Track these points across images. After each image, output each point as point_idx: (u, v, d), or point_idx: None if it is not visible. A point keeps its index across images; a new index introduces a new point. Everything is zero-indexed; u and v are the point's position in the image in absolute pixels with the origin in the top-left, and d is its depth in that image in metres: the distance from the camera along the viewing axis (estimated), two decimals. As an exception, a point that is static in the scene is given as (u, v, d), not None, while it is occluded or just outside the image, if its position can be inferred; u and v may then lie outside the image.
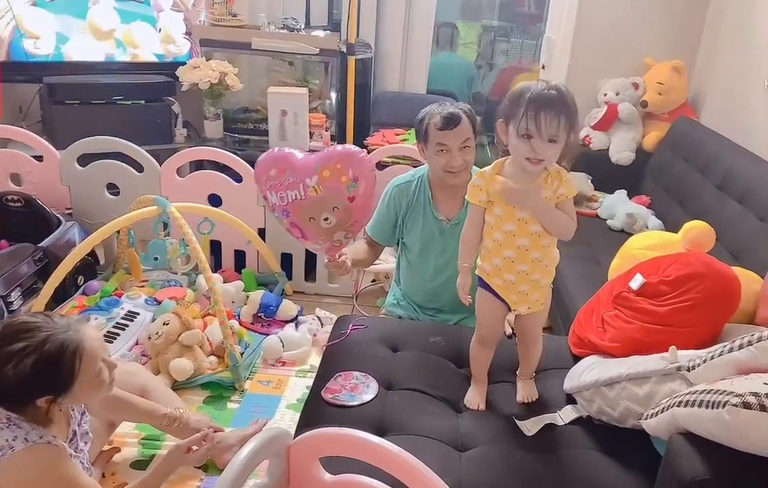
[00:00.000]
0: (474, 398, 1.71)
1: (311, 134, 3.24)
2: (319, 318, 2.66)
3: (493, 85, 4.96)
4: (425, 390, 1.74)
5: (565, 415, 1.66)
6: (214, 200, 2.91)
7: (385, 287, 3.00)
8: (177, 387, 2.21)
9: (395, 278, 2.40)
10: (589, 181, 3.32)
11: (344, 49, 3.33)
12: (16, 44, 3.15)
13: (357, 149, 1.90)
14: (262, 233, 2.94)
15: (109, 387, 1.54)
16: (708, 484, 1.21)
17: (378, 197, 2.17)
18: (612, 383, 1.56)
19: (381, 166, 3.09)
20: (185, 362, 2.21)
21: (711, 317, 1.66)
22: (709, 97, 3.33)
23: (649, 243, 2.21)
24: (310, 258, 3.00)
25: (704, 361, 1.41)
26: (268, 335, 2.53)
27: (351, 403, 1.64)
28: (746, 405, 1.18)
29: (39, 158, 2.98)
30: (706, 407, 1.26)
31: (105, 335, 2.37)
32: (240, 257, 3.01)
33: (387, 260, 2.89)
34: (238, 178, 2.89)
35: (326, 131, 3.32)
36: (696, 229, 2.08)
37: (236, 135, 3.46)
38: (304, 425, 1.57)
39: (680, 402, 1.34)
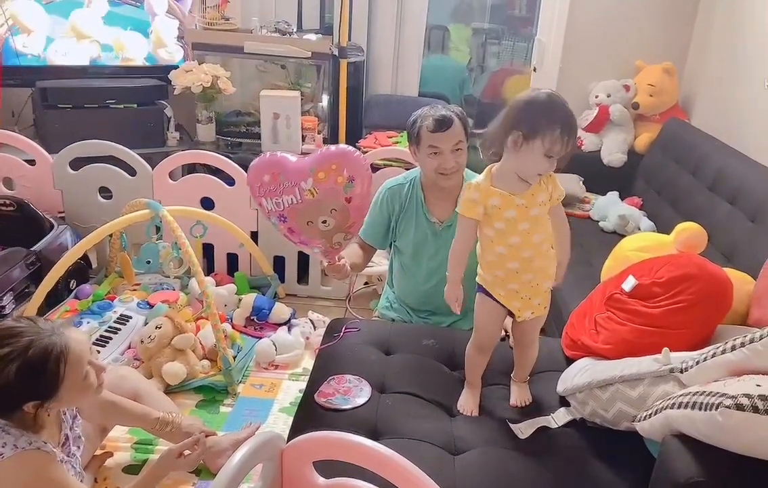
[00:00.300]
0: (467, 403, 1.71)
1: (303, 137, 3.24)
2: (311, 321, 2.66)
3: (485, 87, 4.97)
4: (418, 394, 1.74)
5: (558, 418, 1.65)
6: (207, 204, 2.91)
7: (378, 290, 3.00)
8: (170, 390, 2.20)
9: (388, 280, 2.40)
10: (581, 183, 3.32)
11: (336, 53, 3.33)
12: (8, 49, 3.13)
13: (351, 148, 1.88)
14: (254, 236, 2.93)
15: (98, 390, 1.53)
16: (701, 486, 1.22)
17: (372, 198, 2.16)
18: (605, 385, 1.57)
19: (373, 168, 3.05)
20: (178, 366, 2.20)
21: (703, 319, 1.67)
22: (700, 99, 3.35)
23: (642, 245, 2.22)
24: (303, 261, 2.99)
25: (697, 363, 1.41)
26: (260, 338, 2.52)
27: (344, 407, 1.64)
28: (739, 407, 1.18)
29: (31, 162, 2.96)
30: (699, 409, 1.26)
31: (97, 339, 2.37)
32: (233, 260, 3.00)
33: (380, 263, 2.89)
34: (230, 181, 2.89)
35: (318, 133, 3.32)
36: (688, 230, 2.09)
37: (229, 138, 3.45)
38: (297, 428, 1.57)
39: (673, 404, 1.35)
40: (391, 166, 3.02)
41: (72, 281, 2.75)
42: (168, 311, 2.42)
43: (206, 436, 1.82)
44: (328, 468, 1.30)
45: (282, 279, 2.99)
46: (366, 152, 3.16)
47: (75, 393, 1.46)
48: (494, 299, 1.61)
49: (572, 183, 3.27)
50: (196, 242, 2.77)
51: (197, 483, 1.86)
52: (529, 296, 1.59)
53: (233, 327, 2.58)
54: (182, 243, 2.38)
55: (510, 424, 1.63)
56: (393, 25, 3.66)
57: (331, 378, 1.75)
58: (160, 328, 2.28)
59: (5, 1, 3.04)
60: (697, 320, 1.65)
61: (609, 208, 3.07)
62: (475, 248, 2.06)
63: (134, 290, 2.77)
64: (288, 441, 1.29)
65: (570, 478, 1.48)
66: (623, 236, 2.63)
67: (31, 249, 2.61)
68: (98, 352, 2.30)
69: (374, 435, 1.55)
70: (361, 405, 1.65)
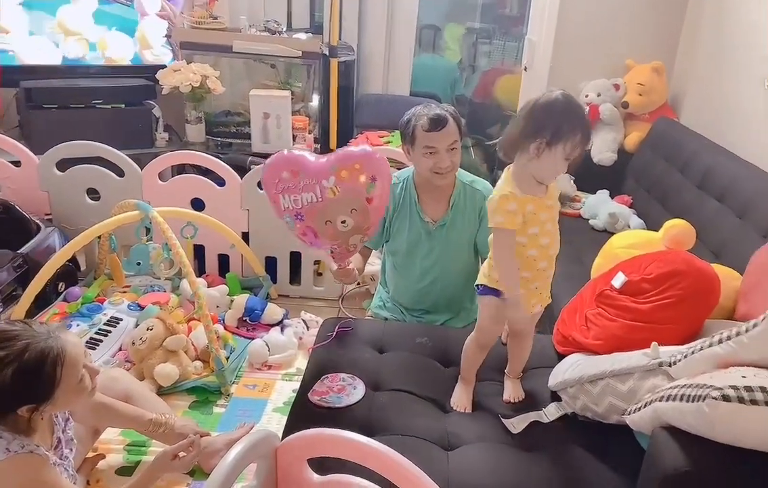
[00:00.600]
0: (461, 399, 1.72)
1: (294, 137, 3.24)
2: (304, 321, 2.66)
3: (476, 87, 4.98)
4: (412, 391, 1.75)
5: (550, 412, 1.67)
6: (197, 205, 2.89)
7: (370, 290, 3.00)
8: (162, 392, 2.19)
9: (381, 280, 2.41)
10: (572, 181, 3.35)
11: (326, 52, 3.32)
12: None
13: (373, 149, 1.85)
14: (245, 236, 2.93)
15: (92, 393, 1.53)
16: (690, 476, 1.24)
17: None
18: (596, 379, 1.58)
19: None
20: (170, 367, 2.19)
21: (692, 314, 1.69)
22: (689, 98, 3.38)
23: (631, 242, 2.24)
24: (295, 262, 2.99)
25: (685, 356, 1.44)
26: (253, 339, 2.52)
27: (338, 405, 1.64)
28: (725, 398, 1.21)
29: (17, 164, 2.93)
30: (687, 400, 1.28)
31: (87, 342, 2.35)
32: (224, 261, 2.99)
33: (372, 263, 2.89)
34: (220, 182, 2.88)
35: (309, 133, 3.32)
36: (676, 227, 2.11)
37: (218, 138, 3.43)
38: (291, 427, 1.57)
39: (662, 397, 1.37)
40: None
41: (60, 284, 2.72)
42: (159, 312, 2.41)
43: (200, 437, 1.81)
44: (323, 465, 1.31)
45: (274, 280, 2.99)
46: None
47: (70, 396, 1.45)
48: (498, 296, 1.60)
49: (563, 182, 3.29)
50: (187, 243, 2.76)
51: (191, 483, 1.85)
52: (541, 289, 1.62)
53: (225, 328, 2.57)
54: (173, 244, 2.37)
55: (502, 419, 1.64)
56: (384, 24, 3.67)
57: (324, 376, 1.75)
58: (151, 330, 2.27)
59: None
60: (685, 316, 1.68)
61: (599, 206, 3.10)
62: (472, 253, 2.09)
63: (124, 292, 2.75)
64: (282, 440, 1.29)
65: (562, 471, 1.50)
66: (613, 233, 2.64)
67: (18, 252, 2.58)
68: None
69: (368, 433, 1.54)
70: (355, 403, 1.66)
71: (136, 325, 2.41)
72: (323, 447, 1.27)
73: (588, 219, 3.12)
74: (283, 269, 3.00)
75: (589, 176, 3.36)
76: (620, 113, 3.51)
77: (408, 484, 1.14)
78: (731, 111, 2.87)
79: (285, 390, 2.31)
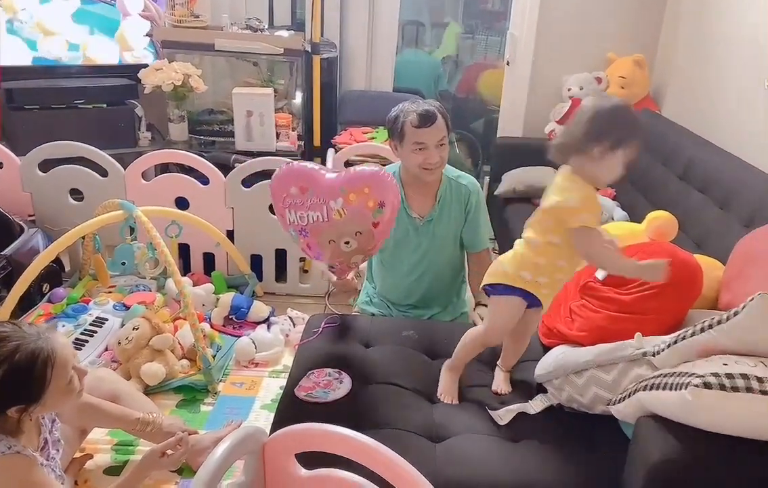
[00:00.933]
0: (448, 391, 1.73)
1: (278, 135, 3.23)
2: (291, 318, 2.66)
3: (459, 82, 5.00)
4: (398, 383, 1.75)
5: (536, 404, 1.69)
6: (181, 203, 2.88)
7: (357, 286, 3.00)
8: (149, 391, 2.19)
9: (367, 276, 2.42)
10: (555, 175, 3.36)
11: (309, 49, 3.32)
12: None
13: (384, 171, 1.84)
14: (230, 234, 2.92)
15: (80, 394, 1.53)
16: (674, 464, 1.26)
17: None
18: (581, 370, 1.60)
19: (349, 164, 3.10)
20: (156, 366, 2.19)
21: (675, 304, 1.71)
22: (670, 90, 3.40)
23: (615, 234, 2.22)
24: (281, 259, 2.99)
25: (668, 346, 1.45)
26: (239, 337, 2.52)
27: (325, 399, 1.65)
28: (707, 385, 1.23)
29: (0, 166, 2.91)
30: (670, 389, 1.30)
31: (73, 342, 2.34)
32: (209, 259, 2.99)
33: (357, 259, 2.90)
34: (204, 180, 2.87)
35: (293, 130, 3.31)
36: (659, 219, 2.13)
37: (202, 137, 3.41)
38: (278, 423, 1.58)
39: (645, 386, 1.39)
40: (367, 162, 3.03)
41: (45, 285, 2.70)
42: (145, 312, 2.40)
43: (188, 435, 1.81)
44: (311, 460, 1.31)
45: (260, 278, 2.99)
46: (341, 149, 3.18)
47: (59, 397, 1.45)
48: (522, 298, 1.61)
49: (546, 175, 3.30)
50: (172, 242, 2.75)
51: (180, 481, 1.85)
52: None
53: (212, 327, 2.57)
54: (157, 243, 2.36)
55: (489, 411, 1.66)
56: (366, 20, 3.67)
57: (310, 372, 1.76)
58: (137, 329, 2.27)
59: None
60: (668, 306, 1.69)
61: (582, 199, 3.11)
62: (458, 247, 2.07)
63: (109, 292, 2.74)
64: (270, 436, 1.30)
65: (549, 461, 1.51)
66: (597, 226, 2.66)
67: (1, 254, 2.55)
68: (74, 355, 2.29)
69: (356, 427, 1.51)
70: (342, 397, 1.66)
71: (122, 325, 2.40)
72: (310, 442, 1.28)
73: (572, 212, 3.14)
74: (269, 266, 3.00)
75: (572, 170, 3.40)
76: (603, 107, 3.53)
77: (395, 477, 1.15)
78: (713, 102, 2.90)
79: (272, 387, 2.31)
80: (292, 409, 1.65)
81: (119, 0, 3.32)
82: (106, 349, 2.37)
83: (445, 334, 2.01)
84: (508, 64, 3.77)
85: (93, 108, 3.25)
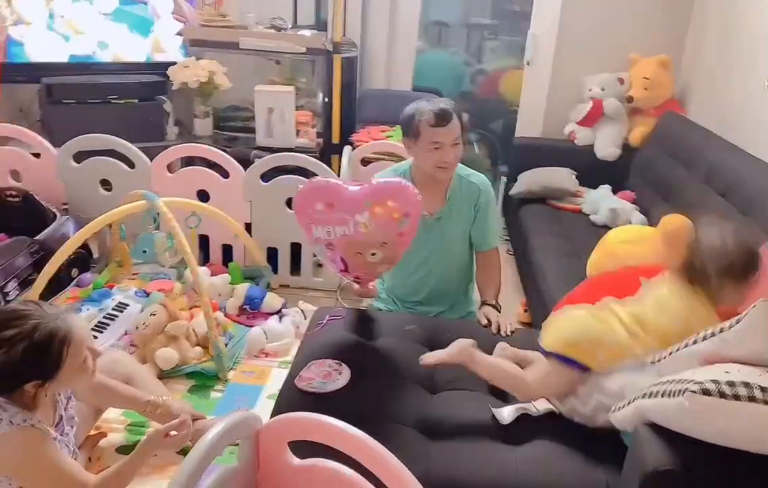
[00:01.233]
0: (439, 358, 1.72)
1: (297, 132, 3.31)
2: (302, 311, 2.72)
3: (482, 83, 4.98)
4: (398, 376, 1.76)
5: (539, 406, 1.63)
6: (203, 196, 2.99)
7: (376, 293, 3.06)
8: (163, 375, 2.27)
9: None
10: (574, 176, 3.34)
11: (330, 48, 3.38)
12: (16, 46, 3.23)
13: (405, 181, 1.87)
14: (248, 227, 3.01)
15: (93, 374, 1.62)
16: (672, 475, 1.21)
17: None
18: (585, 378, 1.57)
19: (365, 162, 3.16)
20: (170, 351, 2.28)
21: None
22: (697, 92, 3.32)
23: (628, 237, 2.19)
24: (296, 253, 3.07)
25: (670, 353, 1.42)
26: (252, 327, 2.59)
27: (323, 390, 1.68)
28: (705, 392, 1.18)
29: (37, 156, 3.07)
30: (668, 396, 1.26)
31: (95, 325, 2.46)
32: (228, 251, 3.09)
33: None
34: (225, 174, 2.97)
35: (312, 128, 3.39)
36: (673, 223, 2.07)
37: (226, 132, 3.52)
38: (277, 411, 1.60)
39: (644, 394, 1.35)
40: (382, 159, 3.09)
41: (74, 270, 2.85)
42: (163, 299, 2.49)
43: (194, 419, 1.88)
44: (305, 450, 1.33)
45: (275, 270, 3.07)
46: (358, 146, 3.25)
47: (73, 376, 1.54)
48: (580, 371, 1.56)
49: (563, 177, 3.31)
50: (192, 233, 2.85)
51: (185, 462, 1.94)
52: None
53: (226, 316, 2.65)
54: (175, 233, 2.43)
55: (492, 409, 1.62)
56: (386, 20, 3.72)
57: (311, 362, 1.79)
58: (154, 315, 2.36)
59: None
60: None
61: (600, 201, 3.08)
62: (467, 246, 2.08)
63: (132, 279, 2.87)
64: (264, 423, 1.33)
65: (545, 466, 1.48)
66: (613, 229, 2.63)
67: (35, 239, 2.71)
68: (96, 337, 2.41)
69: (352, 419, 1.49)
70: (340, 389, 1.69)
71: (142, 311, 2.51)
72: (303, 431, 1.30)
73: (588, 214, 3.11)
74: (284, 259, 3.08)
75: (592, 172, 3.36)
76: (625, 108, 3.47)
77: (383, 471, 1.17)
78: (740, 105, 2.83)
79: (280, 377, 2.29)
80: (291, 398, 1.68)
81: (150, 3, 3.44)
82: (126, 333, 2.48)
83: (447, 330, 2.00)
84: (528, 64, 3.76)
85: (125, 104, 3.39)
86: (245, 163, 3.00)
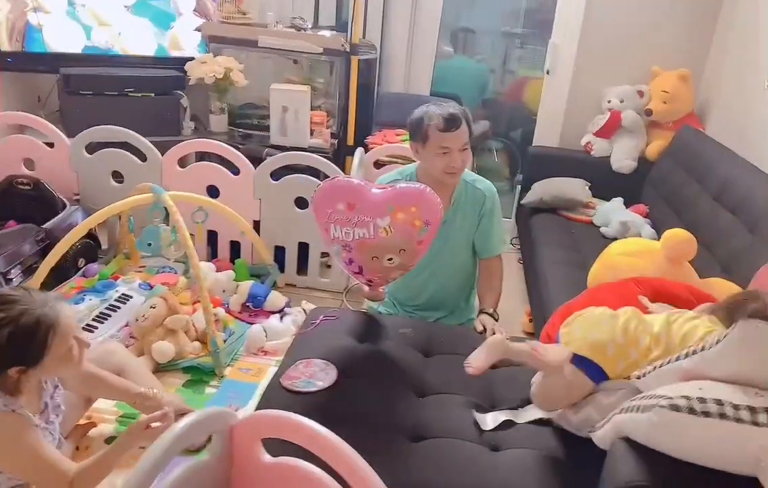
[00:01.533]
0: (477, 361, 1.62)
1: (312, 132, 3.29)
2: (304, 311, 2.69)
3: (507, 90, 4.92)
4: (386, 379, 1.75)
5: (525, 414, 1.63)
6: (213, 192, 2.98)
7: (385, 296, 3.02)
8: (159, 369, 2.27)
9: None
10: (587, 187, 3.31)
11: (348, 49, 3.36)
12: (36, 35, 3.27)
13: (428, 188, 1.84)
14: (257, 225, 3.00)
15: (79, 363, 1.61)
16: None
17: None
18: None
19: (378, 165, 3.13)
20: (166, 345, 2.27)
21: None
22: (716, 107, 3.28)
23: (630, 249, 2.20)
24: (303, 252, 3.04)
25: (653, 369, 1.40)
26: (253, 324, 2.58)
27: (306, 389, 1.66)
28: (674, 407, 1.18)
29: (51, 145, 3.09)
30: (640, 411, 1.26)
31: (97, 316, 2.46)
32: (236, 247, 3.07)
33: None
34: (235, 170, 2.96)
35: (327, 128, 3.37)
36: (675, 238, 2.06)
37: (241, 129, 3.52)
38: (259, 408, 1.60)
39: (621, 409, 1.34)
40: (395, 162, 3.06)
41: (80, 260, 2.86)
42: (164, 292, 2.49)
43: (182, 414, 1.86)
44: (280, 448, 1.31)
45: (282, 269, 3.05)
46: (372, 149, 3.21)
47: (58, 364, 1.54)
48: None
49: (576, 188, 3.26)
50: (199, 228, 2.85)
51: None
52: None
53: (228, 312, 2.64)
54: (180, 227, 2.43)
55: (475, 414, 1.62)
56: (407, 24, 3.68)
57: (299, 362, 1.77)
58: (154, 308, 2.36)
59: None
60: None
61: (612, 214, 3.05)
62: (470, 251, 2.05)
63: (139, 271, 2.87)
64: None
65: (526, 476, 1.46)
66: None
67: (42, 227, 2.73)
68: (96, 328, 2.41)
69: (333, 419, 1.50)
70: (323, 389, 1.66)
71: (144, 303, 2.50)
72: (274, 429, 1.28)
73: (599, 226, 3.07)
74: (291, 258, 3.06)
75: (606, 183, 3.34)
76: (643, 121, 3.43)
77: (352, 475, 1.14)
78: (759, 122, 2.78)
79: None
80: (274, 396, 1.66)
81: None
82: (126, 325, 2.47)
83: (442, 335, 2.00)
84: (548, 73, 3.71)
85: (142, 97, 3.40)
86: (258, 161, 2.99)
